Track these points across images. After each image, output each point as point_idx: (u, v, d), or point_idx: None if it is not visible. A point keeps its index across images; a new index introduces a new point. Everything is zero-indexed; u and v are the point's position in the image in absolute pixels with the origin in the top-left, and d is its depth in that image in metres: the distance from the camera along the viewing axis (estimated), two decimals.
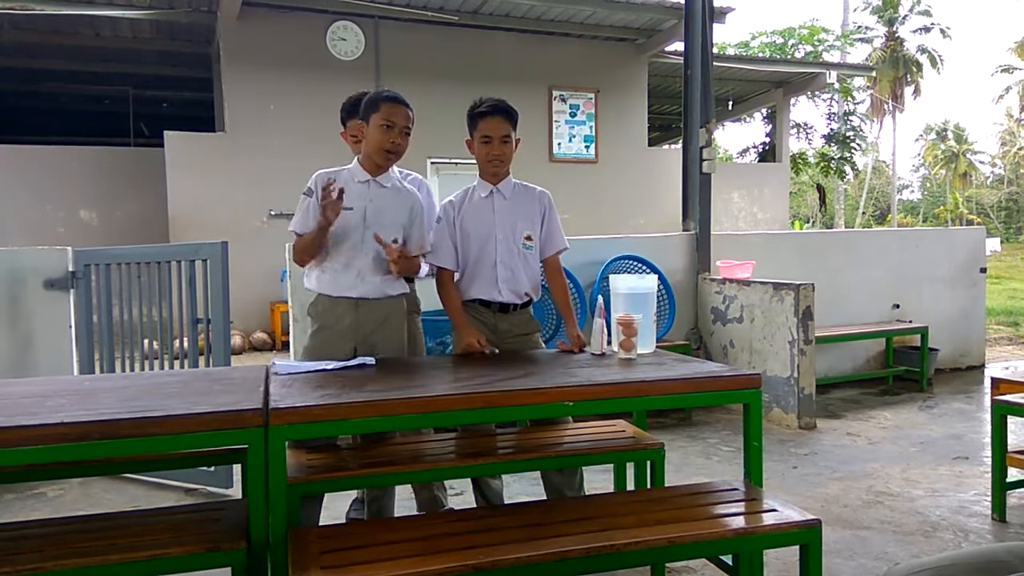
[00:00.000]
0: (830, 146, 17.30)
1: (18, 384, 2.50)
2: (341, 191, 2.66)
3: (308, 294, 2.93)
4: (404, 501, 3.61)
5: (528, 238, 3.01)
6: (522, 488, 3.74)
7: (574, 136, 10.81)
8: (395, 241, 2.85)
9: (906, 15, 32.54)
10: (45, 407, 2.04)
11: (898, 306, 6.66)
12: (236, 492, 3.73)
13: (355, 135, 3.17)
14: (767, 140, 15.48)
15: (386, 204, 2.87)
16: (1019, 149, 38.96)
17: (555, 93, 10.65)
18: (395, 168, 3.33)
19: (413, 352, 3.24)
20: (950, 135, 42.99)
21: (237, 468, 3.65)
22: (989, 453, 3.54)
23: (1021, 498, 3.66)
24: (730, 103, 14.47)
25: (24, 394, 2.24)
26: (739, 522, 2.14)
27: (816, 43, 17.45)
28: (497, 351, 2.88)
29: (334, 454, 2.66)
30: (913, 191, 50.58)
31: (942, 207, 41.09)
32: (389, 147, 2.80)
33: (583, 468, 2.98)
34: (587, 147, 10.90)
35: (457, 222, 2.99)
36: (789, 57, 16.70)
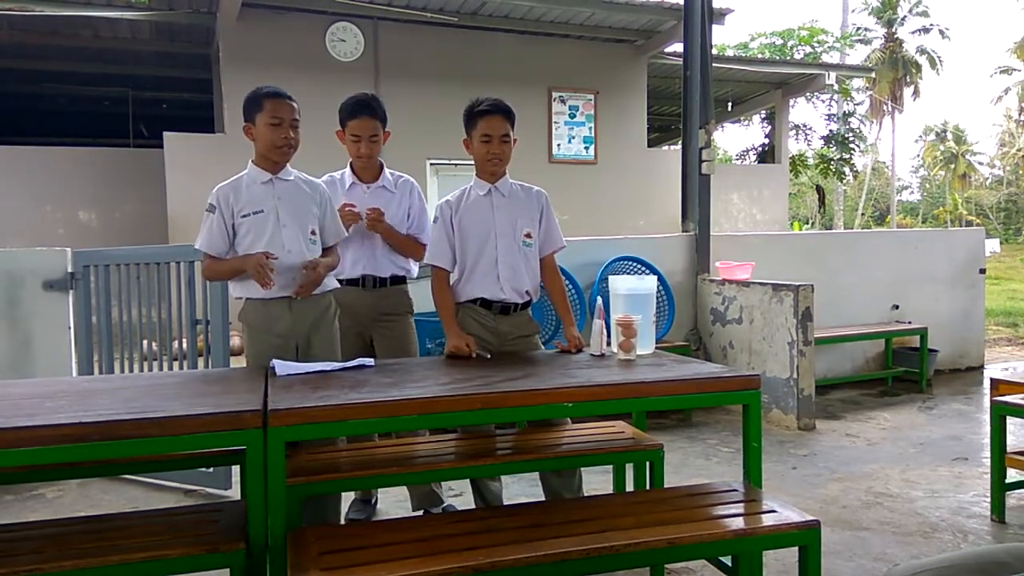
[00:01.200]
0: (829, 147, 17.30)
1: (17, 385, 2.51)
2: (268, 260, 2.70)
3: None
4: (405, 501, 3.61)
5: (528, 236, 3.00)
6: (521, 489, 3.74)
7: (573, 137, 10.81)
8: (313, 233, 2.88)
9: (905, 16, 32.58)
10: (44, 408, 2.04)
11: (897, 307, 6.66)
12: (235, 493, 3.73)
13: (356, 135, 3.17)
14: (766, 142, 15.49)
15: (294, 199, 2.88)
16: (1018, 150, 38.97)
17: (554, 94, 10.65)
18: (388, 170, 3.34)
19: (406, 352, 3.25)
20: (949, 136, 43.01)
21: (236, 469, 3.65)
22: (988, 454, 3.54)
23: (1020, 499, 3.66)
24: (729, 104, 14.47)
25: (23, 395, 2.24)
26: (738, 523, 2.14)
27: (815, 44, 17.46)
28: (489, 356, 2.85)
29: (336, 456, 2.66)
30: (912, 192, 50.65)
31: (941, 208, 41.11)
32: (282, 143, 2.79)
33: (581, 470, 2.98)
34: (586, 148, 10.90)
35: (455, 222, 2.98)
36: (788, 58, 16.71)
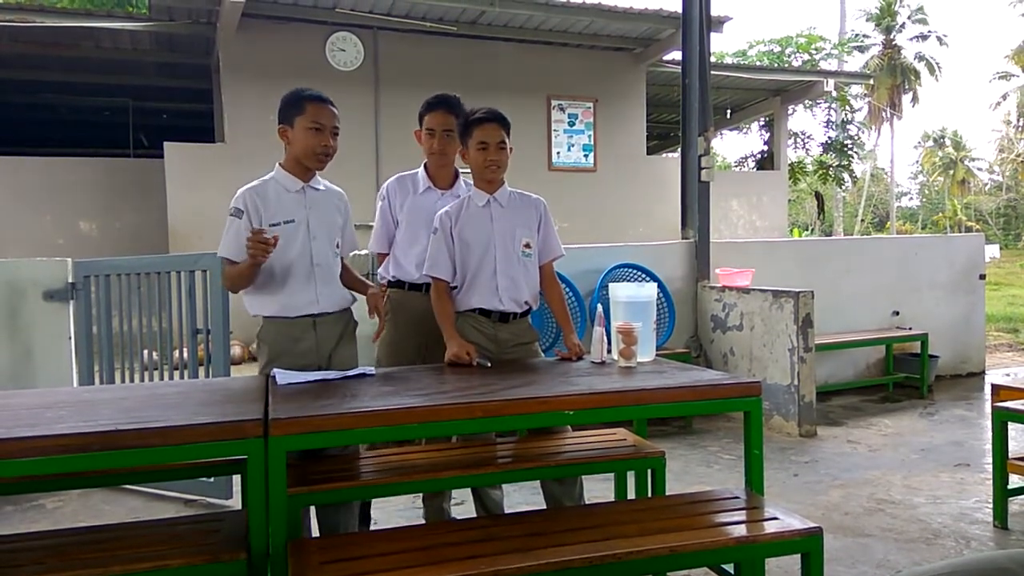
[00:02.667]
0: (828, 154, 17.32)
1: (18, 395, 2.51)
2: (275, 239, 2.52)
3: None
4: (405, 511, 3.61)
5: (527, 246, 3.00)
6: (522, 498, 3.73)
7: (573, 145, 10.84)
8: (337, 245, 2.84)
9: (903, 23, 32.71)
10: (45, 418, 2.04)
11: (898, 313, 6.66)
12: (236, 503, 3.72)
13: (430, 129, 3.14)
14: (765, 148, 15.52)
15: (323, 210, 2.82)
16: (1017, 155, 39.05)
17: (554, 102, 10.68)
18: (463, 179, 3.26)
19: None
20: (948, 142, 43.11)
21: (237, 479, 3.65)
22: (990, 460, 3.53)
23: (1023, 505, 3.66)
24: (728, 112, 14.51)
25: (24, 405, 2.24)
26: (741, 530, 2.13)
27: (813, 51, 17.50)
28: (489, 364, 2.83)
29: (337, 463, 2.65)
30: (912, 198, 50.73)
31: (941, 214, 41.16)
32: (321, 150, 2.70)
33: (583, 478, 2.97)
34: (586, 156, 10.93)
35: (455, 232, 2.98)
36: (786, 66, 16.75)
